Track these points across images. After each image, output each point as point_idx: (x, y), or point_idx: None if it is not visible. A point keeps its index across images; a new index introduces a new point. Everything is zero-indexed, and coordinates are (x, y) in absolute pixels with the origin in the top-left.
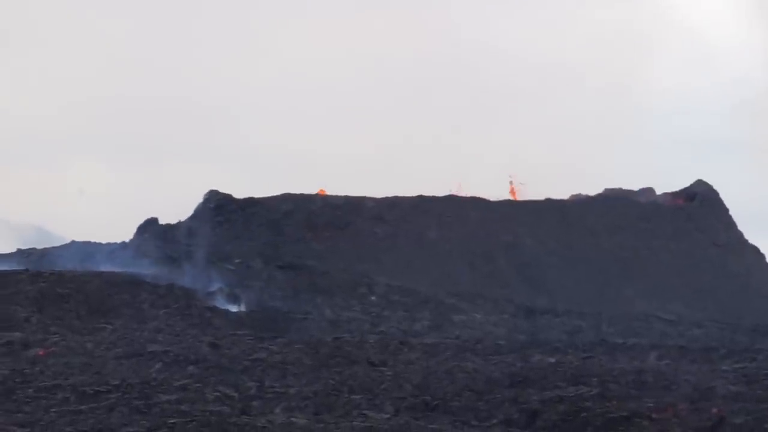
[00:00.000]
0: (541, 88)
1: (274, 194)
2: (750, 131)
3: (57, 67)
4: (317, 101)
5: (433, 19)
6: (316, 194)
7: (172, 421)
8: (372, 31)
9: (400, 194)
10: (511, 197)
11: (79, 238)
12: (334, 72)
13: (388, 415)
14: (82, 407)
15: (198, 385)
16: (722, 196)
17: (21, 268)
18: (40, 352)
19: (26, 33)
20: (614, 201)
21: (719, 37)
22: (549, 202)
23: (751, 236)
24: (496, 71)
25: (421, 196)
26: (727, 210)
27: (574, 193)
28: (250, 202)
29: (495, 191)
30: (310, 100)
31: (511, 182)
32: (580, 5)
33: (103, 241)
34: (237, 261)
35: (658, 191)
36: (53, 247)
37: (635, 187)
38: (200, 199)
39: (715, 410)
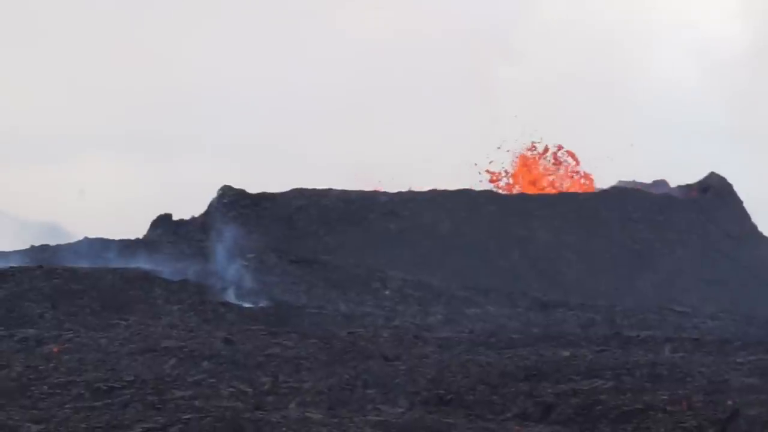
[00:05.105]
0: (544, 80)
1: (287, 189)
2: (760, 120)
3: (68, 62)
4: (328, 95)
5: (435, 8)
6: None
7: (186, 417)
8: (384, 19)
9: (414, 189)
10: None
11: (91, 235)
12: (343, 65)
13: (402, 410)
14: (97, 403)
15: (212, 380)
16: (736, 188)
17: (35, 264)
18: (54, 349)
19: (36, 28)
20: (628, 193)
21: (716, 25)
22: (563, 195)
23: (765, 228)
24: (498, 61)
25: (434, 191)
26: (740, 202)
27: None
28: (263, 197)
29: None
30: (321, 94)
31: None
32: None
33: (116, 237)
34: (250, 256)
35: (671, 183)
36: (66, 244)
37: (648, 180)
38: (213, 195)
39: (729, 402)
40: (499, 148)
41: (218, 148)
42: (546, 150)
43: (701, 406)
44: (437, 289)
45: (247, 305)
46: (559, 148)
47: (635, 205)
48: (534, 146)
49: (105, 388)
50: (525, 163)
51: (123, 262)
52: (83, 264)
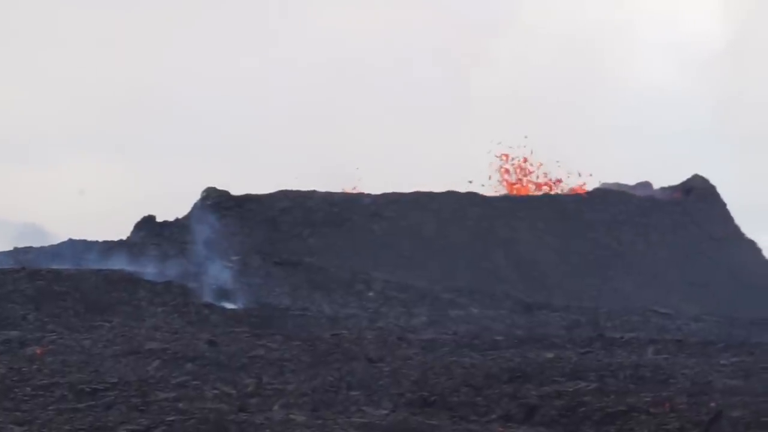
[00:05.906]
0: (523, 84)
1: (271, 191)
2: (743, 123)
3: (51, 63)
4: (312, 96)
5: (421, 12)
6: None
7: (170, 418)
8: (373, 22)
9: (398, 190)
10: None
11: (75, 236)
12: (329, 66)
13: (386, 411)
14: (80, 405)
15: (196, 382)
16: (719, 189)
17: (17, 266)
18: (38, 351)
19: (23, 30)
20: (611, 195)
21: (697, 25)
22: (546, 198)
23: (748, 230)
24: (478, 64)
25: (418, 192)
26: (724, 204)
27: (571, 187)
28: (248, 198)
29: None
30: (304, 95)
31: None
32: None
33: (99, 239)
34: (234, 258)
35: (654, 185)
36: (50, 245)
37: (631, 182)
38: (197, 196)
39: (712, 404)
40: (470, 182)
41: (202, 149)
42: (538, 185)
43: (684, 408)
44: (421, 291)
45: (230, 307)
46: (549, 182)
47: (619, 207)
48: (520, 168)
49: (88, 389)
50: (511, 189)
51: (106, 263)
52: (66, 265)
